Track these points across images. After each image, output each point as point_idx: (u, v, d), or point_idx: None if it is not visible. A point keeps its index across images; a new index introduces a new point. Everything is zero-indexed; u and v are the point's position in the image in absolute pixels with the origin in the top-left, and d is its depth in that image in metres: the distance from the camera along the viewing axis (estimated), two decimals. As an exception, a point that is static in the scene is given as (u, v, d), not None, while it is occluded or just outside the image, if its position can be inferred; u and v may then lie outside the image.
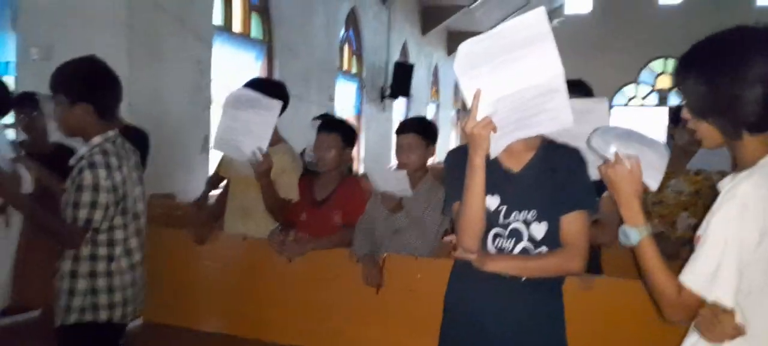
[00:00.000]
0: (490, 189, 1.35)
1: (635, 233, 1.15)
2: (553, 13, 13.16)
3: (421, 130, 2.27)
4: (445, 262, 2.20)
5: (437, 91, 13.07)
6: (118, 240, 1.88)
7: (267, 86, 2.54)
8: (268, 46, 6.15)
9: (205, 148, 4.93)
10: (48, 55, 4.12)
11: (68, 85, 1.82)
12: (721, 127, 1.09)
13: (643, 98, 13.58)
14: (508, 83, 1.18)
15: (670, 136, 2.56)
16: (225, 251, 2.49)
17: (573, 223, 1.38)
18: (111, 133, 1.90)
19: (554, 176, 1.39)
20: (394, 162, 8.70)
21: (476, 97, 1.20)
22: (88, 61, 1.90)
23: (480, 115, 1.22)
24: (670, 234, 2.37)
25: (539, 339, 1.44)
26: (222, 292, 2.49)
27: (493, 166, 1.32)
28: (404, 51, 10.41)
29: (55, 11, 4.08)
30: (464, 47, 1.17)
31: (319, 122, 3.56)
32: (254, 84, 2.64)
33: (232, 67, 5.54)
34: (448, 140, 12.95)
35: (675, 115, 2.91)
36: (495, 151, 1.28)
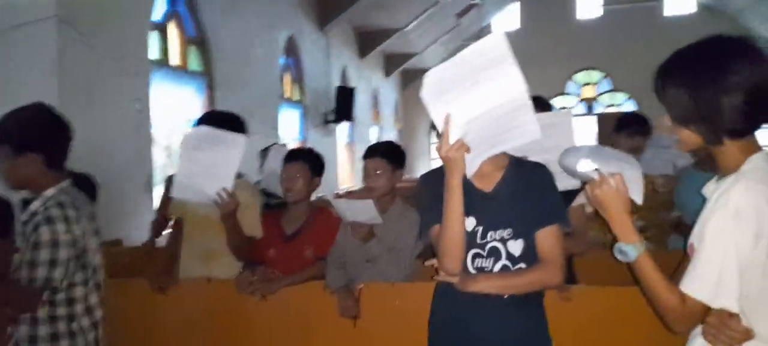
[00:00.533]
0: (465, 211, 1.37)
1: (632, 249, 1.18)
2: (482, 32, 13.69)
3: (388, 155, 2.26)
4: (423, 285, 2.20)
5: (378, 113, 13.19)
6: (78, 298, 1.75)
7: (225, 120, 2.44)
8: (207, 78, 5.99)
9: (148, 188, 4.69)
10: (-32, 102, 3.81)
11: (13, 134, 1.69)
12: (703, 134, 1.14)
13: (572, 109, 14.31)
14: (476, 105, 1.23)
15: (610, 144, 2.68)
16: (189, 297, 2.35)
17: (548, 237, 1.42)
18: (64, 183, 1.78)
19: (526, 193, 1.43)
20: (346, 186, 8.69)
21: (447, 121, 1.25)
22: (33, 108, 1.77)
23: (452, 138, 1.26)
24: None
25: None
26: (190, 341, 2.34)
27: (466, 188, 1.35)
28: (344, 75, 10.46)
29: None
30: (430, 76, 1.23)
31: (267, 152, 3.52)
32: (210, 118, 2.53)
33: (173, 102, 5.34)
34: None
35: (619, 122, 3.07)
36: (470, 170, 1.33)
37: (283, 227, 2.38)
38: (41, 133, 1.73)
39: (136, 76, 4.57)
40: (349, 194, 5.36)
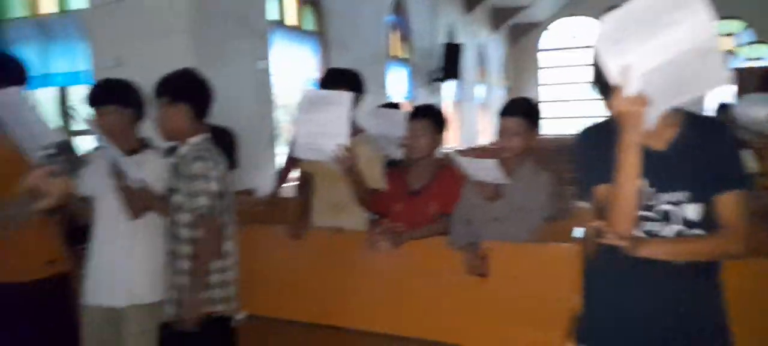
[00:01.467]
0: None
1: None
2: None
3: (526, 114, 2.16)
4: (550, 248, 2.14)
5: (485, 71, 12.81)
6: (226, 235, 1.95)
7: (342, 77, 2.50)
8: (321, 38, 6.14)
9: (271, 144, 4.98)
10: (119, 64, 4.25)
11: (170, 86, 1.94)
12: None
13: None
14: (658, 53, 1.11)
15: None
16: (320, 245, 2.48)
17: (730, 203, 1.28)
18: (205, 135, 1.98)
19: (704, 152, 1.29)
20: (451, 145, 8.56)
21: (625, 72, 1.13)
22: (186, 69, 1.99)
23: (630, 91, 1.15)
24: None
25: (701, 327, 1.34)
26: (320, 285, 2.48)
27: None
28: (451, 32, 10.23)
29: (125, 22, 4.20)
30: (605, 23, 1.12)
31: (380, 110, 3.54)
32: (328, 77, 2.61)
33: (290, 61, 5.56)
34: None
35: None
36: (649, 124, 1.20)
37: (408, 182, 2.41)
38: (192, 86, 2.00)
39: (257, 37, 4.81)
40: (482, 152, 5.25)
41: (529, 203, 2.15)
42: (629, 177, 1.23)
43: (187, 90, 1.97)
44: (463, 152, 6.34)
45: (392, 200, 2.41)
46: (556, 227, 2.42)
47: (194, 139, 1.97)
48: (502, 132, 2.17)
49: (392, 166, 2.70)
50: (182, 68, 2.04)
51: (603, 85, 1.30)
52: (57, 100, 5.02)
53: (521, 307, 2.12)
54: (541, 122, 2.24)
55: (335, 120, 2.14)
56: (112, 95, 2.06)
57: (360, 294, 2.41)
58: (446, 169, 2.37)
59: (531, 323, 2.08)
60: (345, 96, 2.16)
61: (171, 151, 2.16)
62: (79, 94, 4.80)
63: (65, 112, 5.03)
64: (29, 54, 4.74)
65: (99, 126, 1.97)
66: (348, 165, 2.19)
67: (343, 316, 2.43)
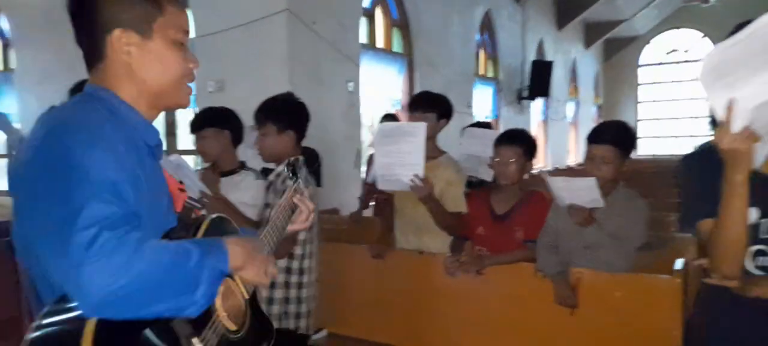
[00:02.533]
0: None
1: None
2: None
3: (618, 141, 2.04)
4: (646, 278, 2.02)
5: (576, 88, 12.33)
6: (308, 254, 2.01)
7: (431, 100, 2.53)
8: (408, 59, 6.25)
9: (357, 164, 5.11)
10: (221, 88, 4.58)
11: (279, 115, 2.00)
12: None
13: None
14: (766, 86, 1.03)
15: None
16: (402, 266, 2.51)
17: None
18: (300, 158, 2.07)
19: None
20: (540, 166, 8.24)
21: (730, 108, 1.05)
22: (288, 95, 2.08)
23: (737, 126, 1.06)
24: None
25: None
26: (400, 306, 2.51)
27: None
28: (540, 49, 9.99)
29: (225, 48, 4.52)
30: (710, 55, 1.06)
31: (472, 129, 3.52)
32: (418, 100, 2.64)
33: (378, 82, 5.70)
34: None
35: None
36: (758, 160, 1.12)
37: (493, 206, 2.37)
38: (298, 114, 2.07)
39: (348, 60, 4.99)
40: (570, 172, 5.05)
41: (624, 231, 2.04)
42: (735, 218, 1.14)
43: (294, 118, 2.05)
44: (552, 173, 6.10)
45: (476, 223, 2.39)
46: (654, 257, 2.28)
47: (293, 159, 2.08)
48: (591, 160, 2.08)
49: (477, 187, 2.67)
50: (285, 94, 2.12)
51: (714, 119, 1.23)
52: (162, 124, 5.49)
53: (613, 338, 2.01)
54: (635, 146, 2.12)
55: (411, 151, 2.18)
56: (210, 119, 2.22)
57: (441, 317, 2.40)
58: (533, 194, 2.31)
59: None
60: (420, 127, 2.19)
61: (266, 172, 2.28)
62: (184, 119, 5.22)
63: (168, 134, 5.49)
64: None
65: (200, 149, 2.13)
66: (424, 193, 2.20)
67: (423, 339, 2.43)
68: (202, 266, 0.87)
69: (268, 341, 1.15)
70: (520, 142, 2.29)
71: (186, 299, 0.85)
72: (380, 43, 5.87)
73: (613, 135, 2.07)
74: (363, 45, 5.38)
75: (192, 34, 4.80)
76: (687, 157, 1.37)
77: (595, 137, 2.09)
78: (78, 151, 0.84)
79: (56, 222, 0.80)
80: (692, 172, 1.33)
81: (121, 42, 0.97)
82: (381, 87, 5.75)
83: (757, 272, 1.22)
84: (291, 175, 1.42)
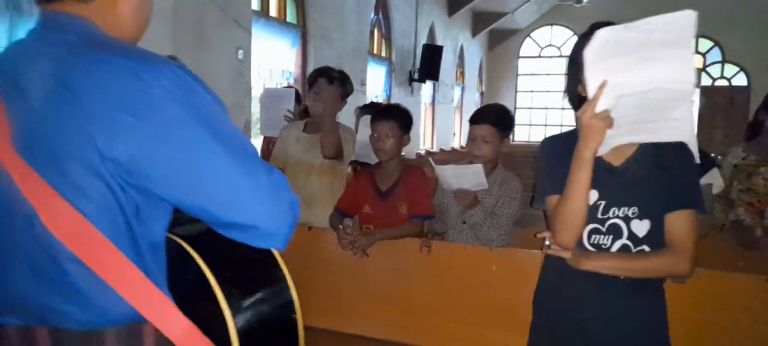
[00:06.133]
0: None
1: None
2: (581, -9, 12.86)
3: (497, 122, 2.19)
4: (522, 253, 2.19)
5: (463, 73, 12.93)
6: None
7: (330, 75, 2.53)
8: (302, 30, 6.10)
9: (246, 134, 4.93)
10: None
11: None
12: None
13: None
14: (637, 81, 1.12)
15: (760, 120, 2.44)
16: (290, 240, 2.47)
17: (681, 222, 1.31)
18: None
19: (660, 171, 1.33)
20: (426, 147, 8.60)
21: (601, 87, 1.15)
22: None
23: (600, 107, 1.17)
24: (755, 224, 2.30)
25: (642, 339, 1.38)
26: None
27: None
28: (431, 33, 10.29)
29: None
30: (602, 34, 1.11)
31: (361, 112, 3.56)
32: (316, 73, 2.62)
33: (271, 51, 5.51)
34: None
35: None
36: (603, 148, 1.23)
37: (377, 183, 2.42)
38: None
39: (240, 27, 4.75)
40: (454, 154, 5.21)
41: (499, 209, 2.19)
42: (579, 190, 1.26)
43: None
44: (435, 155, 6.31)
45: (362, 201, 2.42)
46: (529, 234, 2.48)
47: None
48: (473, 140, 2.20)
49: (363, 167, 2.72)
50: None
51: (575, 95, 1.34)
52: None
53: (490, 310, 2.16)
54: (512, 128, 2.27)
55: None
56: None
57: (331, 291, 2.42)
58: (413, 170, 2.39)
59: (501, 326, 2.13)
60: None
61: None
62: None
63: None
64: None
65: None
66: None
67: (312, 313, 2.42)
68: None
69: None
70: (396, 116, 2.33)
71: None
72: (273, 12, 5.66)
73: (493, 116, 2.20)
74: (255, 12, 5.15)
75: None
76: (545, 141, 1.48)
77: (476, 118, 2.22)
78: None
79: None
80: (548, 154, 1.43)
81: None
82: (273, 57, 5.57)
83: (591, 249, 1.37)
84: None
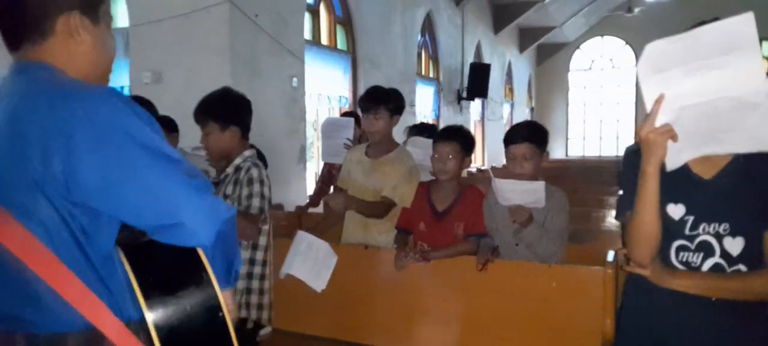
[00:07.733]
0: (674, 196, 1.25)
1: None
2: (632, 1, 12.54)
3: (534, 138, 2.16)
4: (582, 269, 2.15)
5: (511, 90, 12.81)
6: (264, 246, 2.01)
7: (382, 95, 2.58)
8: (352, 57, 6.27)
9: (301, 159, 5.08)
10: (158, 80, 4.41)
11: (218, 112, 1.98)
12: None
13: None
14: (698, 91, 1.07)
15: None
16: (347, 260, 2.53)
17: None
18: (253, 150, 2.05)
19: (757, 185, 1.24)
20: (477, 164, 8.51)
21: (658, 101, 1.10)
22: (226, 90, 2.05)
23: (660, 121, 1.12)
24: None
25: None
26: (345, 301, 2.52)
27: (679, 170, 1.20)
28: (478, 51, 10.30)
29: (163, 38, 4.36)
30: (652, 47, 1.07)
31: (411, 132, 3.61)
32: (368, 95, 2.68)
33: (323, 79, 5.68)
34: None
35: None
36: (673, 163, 1.18)
37: (434, 203, 2.44)
38: (237, 109, 2.05)
39: (291, 55, 4.94)
40: (503, 171, 5.19)
41: (550, 222, 2.16)
42: (646, 206, 1.20)
43: (235, 112, 2.03)
44: (493, 173, 6.23)
45: (417, 219, 2.45)
46: (584, 250, 2.43)
47: (247, 153, 2.05)
48: (513, 158, 2.17)
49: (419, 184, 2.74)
50: (221, 89, 2.08)
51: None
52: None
53: (549, 328, 2.13)
54: (547, 141, 2.23)
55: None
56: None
57: (386, 311, 2.45)
58: (470, 190, 2.40)
59: (562, 344, 2.09)
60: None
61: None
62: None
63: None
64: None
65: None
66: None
67: (367, 332, 2.46)
68: None
69: None
70: (458, 138, 2.36)
71: None
72: (325, 40, 5.85)
73: (528, 133, 2.17)
74: (307, 41, 5.34)
75: (126, 23, 4.63)
76: (627, 151, 1.41)
77: (512, 138, 2.17)
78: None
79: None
80: (626, 167, 1.37)
81: (76, 25, 0.95)
82: (326, 83, 5.74)
83: (679, 266, 1.29)
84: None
